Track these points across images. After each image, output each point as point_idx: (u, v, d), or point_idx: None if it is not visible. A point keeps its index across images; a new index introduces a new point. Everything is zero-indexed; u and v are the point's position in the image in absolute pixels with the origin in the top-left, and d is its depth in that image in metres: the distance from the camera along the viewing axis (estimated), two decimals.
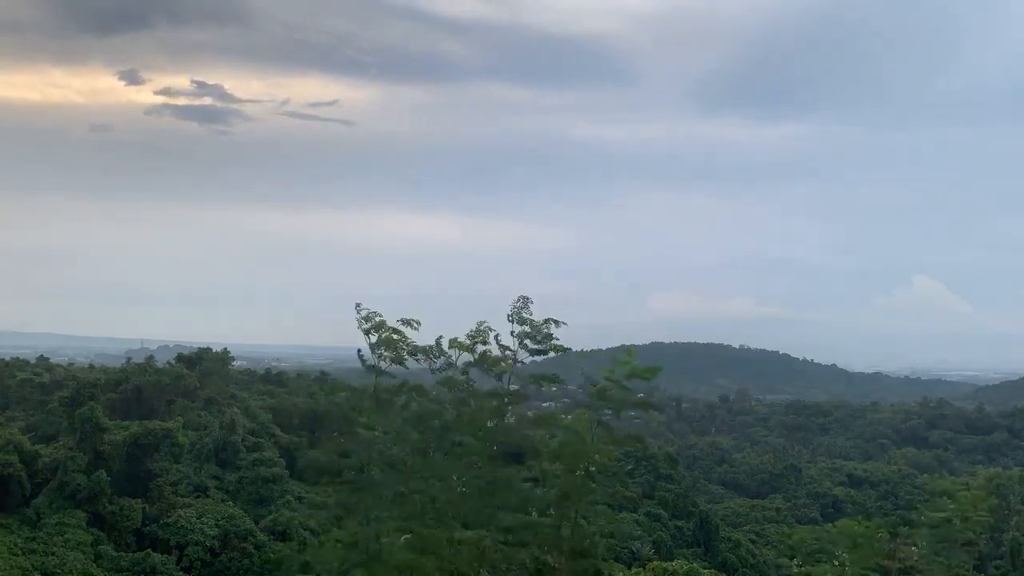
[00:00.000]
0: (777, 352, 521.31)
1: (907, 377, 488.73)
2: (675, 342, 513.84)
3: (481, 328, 14.02)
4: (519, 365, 13.73)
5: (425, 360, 14.13)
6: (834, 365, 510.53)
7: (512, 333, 13.61)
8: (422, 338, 14.28)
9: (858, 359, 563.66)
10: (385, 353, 13.48)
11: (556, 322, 13.58)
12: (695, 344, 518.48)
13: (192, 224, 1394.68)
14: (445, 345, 14.34)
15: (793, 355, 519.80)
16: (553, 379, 13.63)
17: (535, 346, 13.63)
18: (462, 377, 13.83)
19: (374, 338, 13.52)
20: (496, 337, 13.88)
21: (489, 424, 12.56)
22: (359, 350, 13.60)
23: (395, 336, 13.50)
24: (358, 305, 13.50)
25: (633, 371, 12.56)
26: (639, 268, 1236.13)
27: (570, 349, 13.68)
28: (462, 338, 14.31)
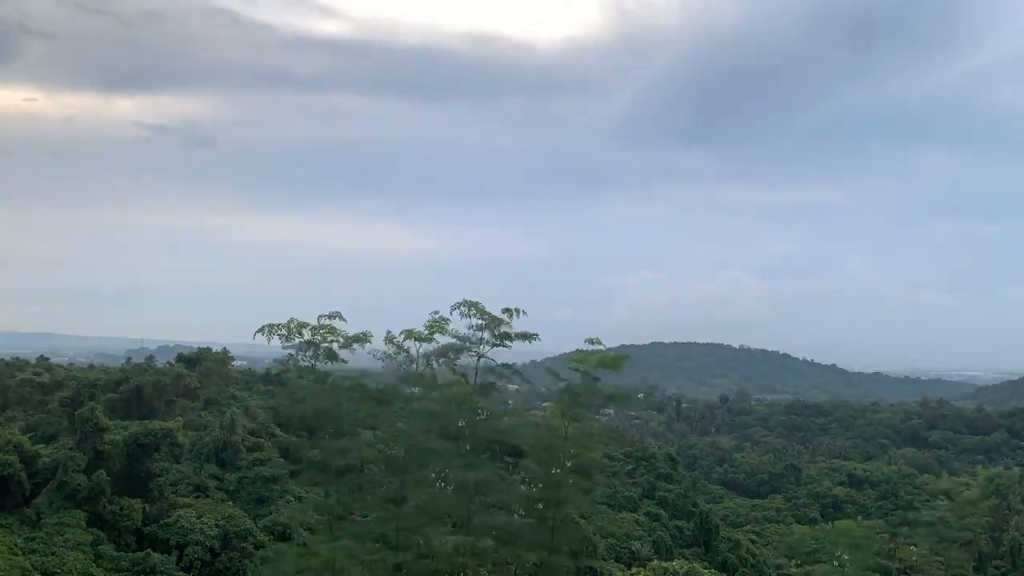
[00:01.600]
0: (777, 352, 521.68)
1: (907, 377, 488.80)
2: (675, 342, 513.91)
3: (436, 319, 13.82)
4: (483, 360, 13.61)
5: (359, 347, 13.92)
6: (834, 365, 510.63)
7: (469, 327, 13.47)
8: (376, 334, 14.12)
9: (858, 359, 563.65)
10: (311, 353, 13.39)
11: (515, 311, 13.39)
12: (695, 344, 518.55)
13: (194, 229, 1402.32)
14: (400, 337, 14.14)
15: (793, 355, 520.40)
16: (515, 372, 13.50)
17: (494, 338, 13.47)
18: (427, 371, 13.67)
19: (297, 341, 13.44)
20: (453, 331, 13.72)
21: (463, 422, 12.49)
22: (289, 355, 13.50)
23: (321, 332, 13.40)
24: (274, 325, 13.39)
25: (601, 361, 12.40)
26: (630, 269, 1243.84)
27: (536, 336, 13.44)
28: (418, 329, 14.12)
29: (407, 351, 13.90)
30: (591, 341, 12.75)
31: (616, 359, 12.68)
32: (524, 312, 13.38)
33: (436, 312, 13.79)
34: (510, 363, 14.08)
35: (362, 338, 13.75)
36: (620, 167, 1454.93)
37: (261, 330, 13.44)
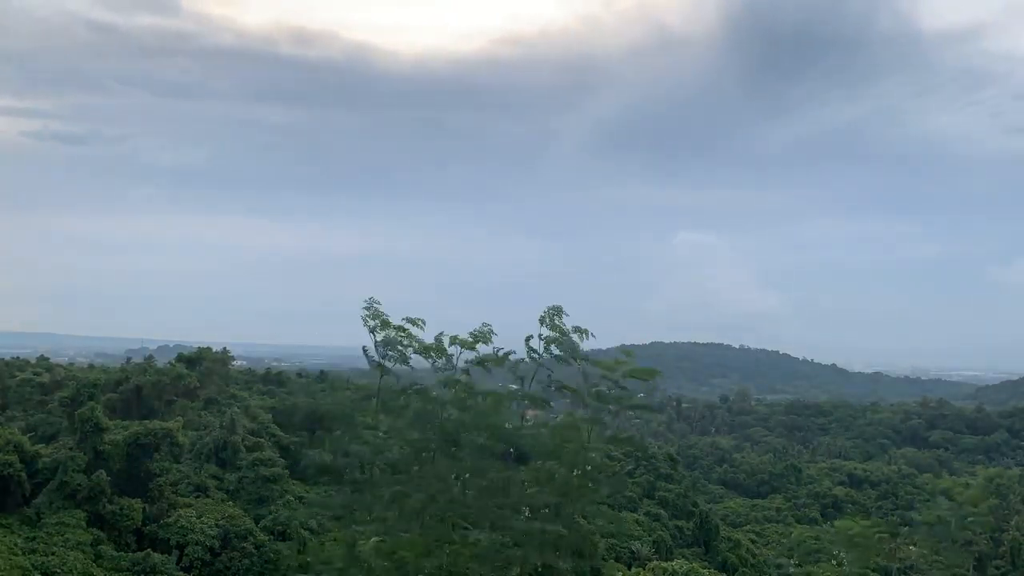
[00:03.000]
0: (777, 352, 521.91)
1: (907, 377, 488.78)
2: (675, 342, 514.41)
3: (484, 329, 13.96)
4: (545, 372, 13.70)
5: (430, 358, 14.06)
6: (834, 365, 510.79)
7: (539, 337, 13.57)
8: (427, 337, 14.27)
9: (858, 359, 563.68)
10: (391, 352, 13.47)
11: (585, 332, 13.51)
12: (695, 344, 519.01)
13: (196, 230, 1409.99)
14: (446, 343, 14.26)
15: (793, 355, 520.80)
16: (569, 388, 13.59)
17: (560, 353, 13.57)
18: (463, 376, 13.77)
19: (380, 336, 13.50)
20: (527, 340, 13.82)
21: (489, 424, 12.57)
22: (364, 347, 13.56)
23: (400, 335, 13.49)
24: (370, 301, 13.48)
25: (631, 372, 12.57)
26: (628, 270, 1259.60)
27: (588, 359, 13.53)
28: (464, 337, 14.24)
29: (450, 356, 14.00)
30: (626, 352, 12.90)
31: (647, 371, 12.85)
32: (594, 335, 13.57)
33: (487, 324, 13.99)
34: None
35: (437, 348, 13.91)
36: (586, 179, 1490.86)
37: (367, 307, 13.51)
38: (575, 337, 13.48)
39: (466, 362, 13.92)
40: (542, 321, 13.52)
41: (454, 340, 13.82)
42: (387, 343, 13.46)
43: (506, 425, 12.88)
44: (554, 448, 12.32)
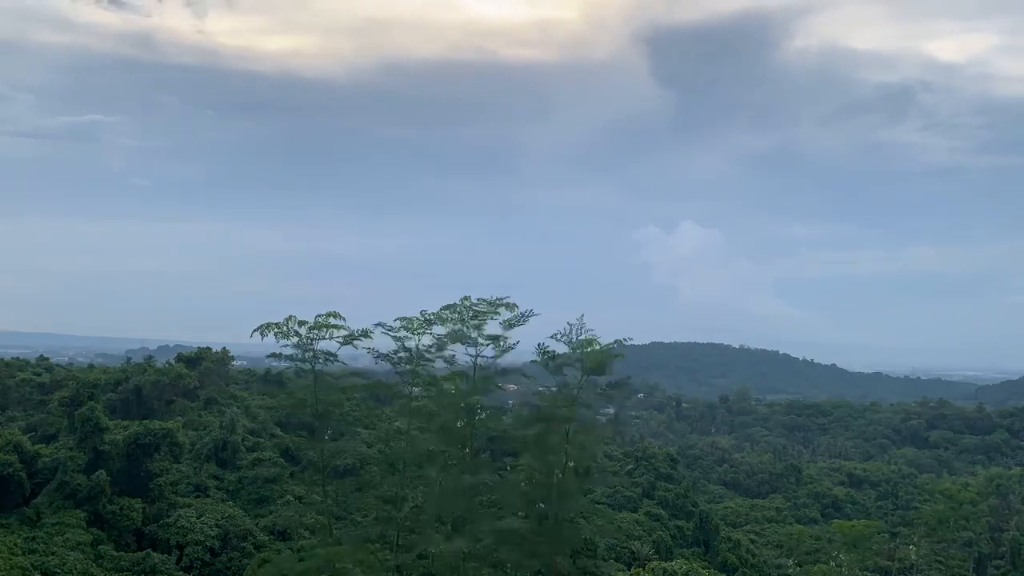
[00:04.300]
0: (777, 352, 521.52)
1: (907, 377, 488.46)
2: (675, 342, 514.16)
3: (428, 314, 13.72)
4: (483, 359, 13.53)
5: (360, 343, 13.80)
6: (834, 365, 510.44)
7: (465, 326, 13.40)
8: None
9: (858, 359, 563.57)
10: (312, 351, 13.28)
11: (507, 305, 13.23)
12: (695, 344, 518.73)
13: (194, 232, 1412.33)
14: (396, 325, 14.00)
15: (793, 355, 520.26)
16: (514, 370, 13.44)
17: (488, 336, 13.38)
18: (426, 368, 13.59)
19: (294, 340, 13.32)
20: (454, 326, 13.63)
21: (461, 422, 12.46)
22: (276, 353, 13.36)
23: (314, 332, 13.30)
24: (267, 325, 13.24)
25: (601, 354, 12.38)
26: (627, 269, 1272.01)
27: (531, 310, 13.24)
28: (416, 317, 13.99)
29: (404, 342, 13.76)
30: (587, 340, 12.72)
31: (615, 352, 12.68)
32: (516, 306, 13.27)
33: (426, 311, 13.68)
34: (509, 363, 14.04)
35: (363, 335, 13.61)
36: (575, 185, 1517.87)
37: (258, 328, 13.32)
38: (501, 311, 13.27)
39: (422, 348, 13.66)
40: (455, 310, 13.33)
41: (406, 323, 13.59)
42: (307, 343, 13.32)
43: (482, 414, 12.75)
44: (534, 443, 12.16)
